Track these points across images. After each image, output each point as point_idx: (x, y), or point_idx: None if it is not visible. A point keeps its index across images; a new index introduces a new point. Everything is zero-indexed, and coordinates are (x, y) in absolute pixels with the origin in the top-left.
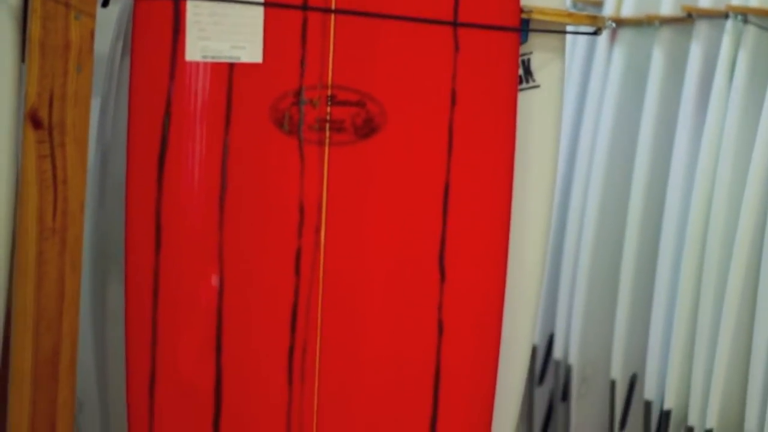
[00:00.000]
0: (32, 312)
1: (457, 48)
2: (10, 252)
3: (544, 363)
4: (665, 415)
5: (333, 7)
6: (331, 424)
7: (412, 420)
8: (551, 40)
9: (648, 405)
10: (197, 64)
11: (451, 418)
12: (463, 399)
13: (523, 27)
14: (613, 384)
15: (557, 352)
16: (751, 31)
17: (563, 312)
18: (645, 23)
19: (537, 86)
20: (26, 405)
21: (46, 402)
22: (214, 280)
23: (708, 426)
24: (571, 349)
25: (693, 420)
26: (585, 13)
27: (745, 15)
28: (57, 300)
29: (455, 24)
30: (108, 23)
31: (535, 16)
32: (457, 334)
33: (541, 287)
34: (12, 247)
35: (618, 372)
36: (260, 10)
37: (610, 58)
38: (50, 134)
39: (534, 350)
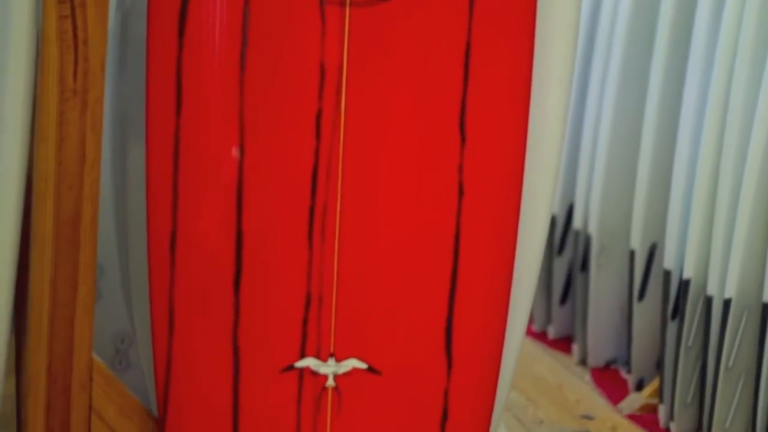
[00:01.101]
0: (53, 174)
1: None
2: (31, 114)
3: (563, 233)
4: (684, 285)
5: None
6: (351, 283)
7: (430, 281)
8: None
9: (667, 274)
10: None
11: (470, 283)
12: (483, 265)
13: None
14: (632, 254)
15: (577, 222)
16: None
17: (583, 182)
18: None
19: None
20: (48, 267)
21: (67, 264)
22: (235, 141)
23: (727, 295)
24: (590, 218)
25: (712, 289)
26: None
27: None
28: (78, 162)
29: None
30: None
31: None
32: (477, 197)
33: (561, 154)
34: (33, 110)
35: (637, 242)
36: None
37: None
38: None
39: (553, 220)
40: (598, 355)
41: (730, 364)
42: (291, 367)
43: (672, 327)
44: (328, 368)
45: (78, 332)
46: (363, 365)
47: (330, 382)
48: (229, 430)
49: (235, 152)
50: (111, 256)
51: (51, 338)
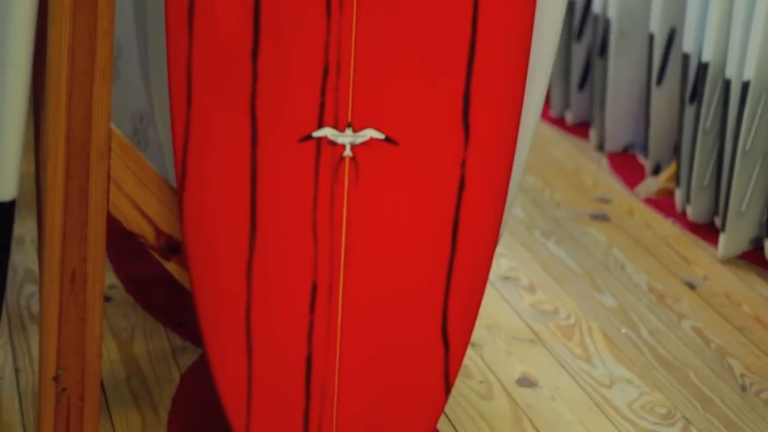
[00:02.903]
0: None
1: None
2: None
3: (582, 18)
4: (703, 68)
5: None
6: (369, 52)
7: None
8: None
9: (686, 58)
10: None
11: (487, 63)
12: (500, 41)
13: None
14: (651, 38)
15: (596, 7)
16: None
17: None
18: None
19: None
20: (66, 36)
21: (85, 32)
22: None
23: (745, 78)
24: (610, 2)
25: (730, 72)
26: None
27: None
28: None
29: None
30: None
31: None
32: None
33: None
34: None
35: (657, 26)
36: None
37: None
38: None
39: (572, 5)
40: (615, 140)
41: (747, 147)
42: (309, 137)
43: (690, 111)
44: (346, 138)
45: (96, 100)
46: (380, 135)
47: (347, 152)
48: (247, 201)
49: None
50: (128, 36)
51: (70, 106)
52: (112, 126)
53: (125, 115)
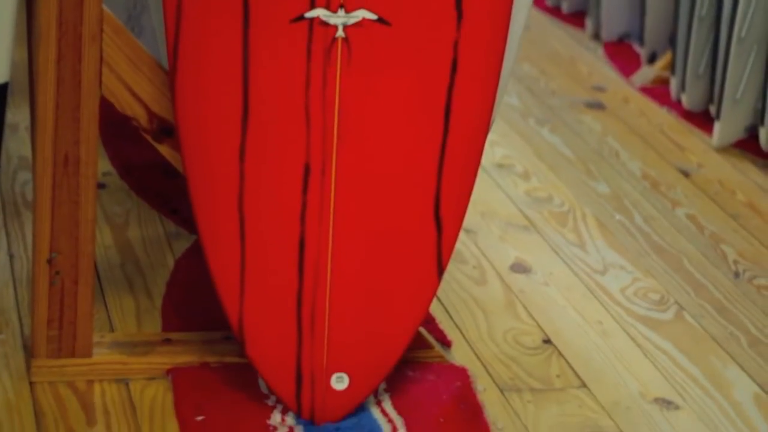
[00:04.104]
0: None
1: None
2: None
3: None
4: None
5: None
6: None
7: None
8: None
9: None
10: None
11: None
12: None
13: None
14: None
15: None
16: None
17: None
18: None
19: None
20: None
21: None
22: None
23: None
24: None
25: None
26: None
27: None
28: None
29: None
30: None
31: None
32: None
33: None
34: None
35: None
36: None
37: None
38: None
39: None
40: (611, 29)
41: (743, 34)
42: (301, 18)
43: None
44: (338, 19)
45: None
46: (373, 16)
47: (340, 33)
48: (239, 83)
49: None
50: None
51: None
52: (104, 8)
53: (119, 1)
